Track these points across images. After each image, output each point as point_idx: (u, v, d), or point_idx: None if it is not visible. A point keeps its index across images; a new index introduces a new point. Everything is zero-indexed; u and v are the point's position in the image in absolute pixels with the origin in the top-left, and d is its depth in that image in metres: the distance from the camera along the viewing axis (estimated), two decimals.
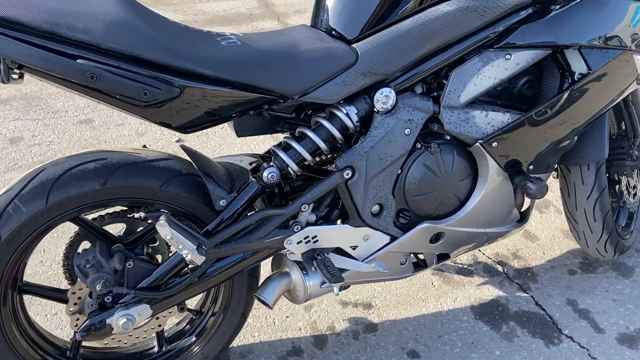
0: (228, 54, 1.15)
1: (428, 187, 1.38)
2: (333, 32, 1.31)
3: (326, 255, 1.35)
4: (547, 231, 2.14)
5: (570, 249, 2.06)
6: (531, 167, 1.44)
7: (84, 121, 2.79)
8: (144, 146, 1.45)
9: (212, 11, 4.29)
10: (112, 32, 1.01)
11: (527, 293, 1.85)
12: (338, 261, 1.38)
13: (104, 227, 1.33)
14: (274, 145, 1.35)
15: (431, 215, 1.43)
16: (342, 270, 1.39)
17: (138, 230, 1.41)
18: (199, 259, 1.19)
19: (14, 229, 1.14)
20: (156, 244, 1.40)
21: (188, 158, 1.28)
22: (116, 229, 1.37)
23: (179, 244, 1.17)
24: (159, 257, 1.43)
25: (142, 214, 1.42)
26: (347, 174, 1.30)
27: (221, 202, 1.26)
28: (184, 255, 1.19)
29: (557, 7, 1.35)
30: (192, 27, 1.20)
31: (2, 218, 1.14)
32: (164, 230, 1.17)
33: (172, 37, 1.09)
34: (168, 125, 1.17)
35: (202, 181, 1.28)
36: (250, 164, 1.39)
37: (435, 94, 1.39)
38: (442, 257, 1.54)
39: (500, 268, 1.95)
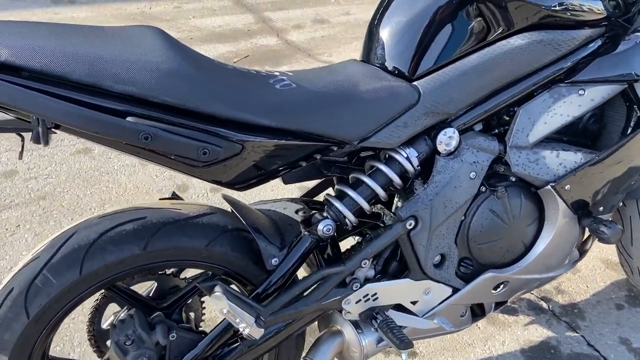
0: (285, 100, 1.01)
1: (494, 234, 1.26)
2: (391, 69, 1.18)
3: (386, 314, 1.22)
4: (587, 262, 2.04)
5: (613, 280, 1.96)
6: (600, 208, 1.34)
7: (82, 150, 2.62)
8: (174, 193, 1.31)
9: (207, 27, 4.14)
10: (163, 82, 0.86)
11: (577, 332, 1.74)
12: (397, 318, 1.25)
13: (131, 287, 1.19)
14: (327, 194, 1.21)
15: (495, 264, 1.31)
16: (402, 327, 1.26)
17: (170, 288, 1.27)
18: (258, 333, 1.05)
19: (44, 304, 0.99)
20: (189, 302, 1.26)
21: (228, 208, 1.14)
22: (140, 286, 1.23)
23: (236, 317, 1.03)
24: (191, 314, 1.29)
25: (173, 270, 1.28)
26: (410, 224, 1.17)
27: (273, 261, 1.12)
28: (241, 329, 1.04)
29: (628, 38, 1.25)
30: (240, 68, 1.06)
31: (29, 292, 0.98)
32: (221, 303, 1.02)
33: (226, 84, 0.95)
34: (218, 182, 1.03)
35: (248, 236, 1.14)
36: (296, 212, 1.26)
37: (496, 131, 1.28)
38: (500, 303, 1.43)
39: (545, 305, 1.84)
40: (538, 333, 1.73)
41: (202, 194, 2.36)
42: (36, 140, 0.85)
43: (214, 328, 1.14)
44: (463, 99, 1.16)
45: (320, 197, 1.30)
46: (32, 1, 4.52)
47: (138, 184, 2.40)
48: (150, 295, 1.26)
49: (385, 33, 1.21)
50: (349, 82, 1.12)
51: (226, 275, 1.18)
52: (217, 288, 1.03)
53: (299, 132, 1.01)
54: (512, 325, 1.76)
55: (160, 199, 1.29)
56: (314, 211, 1.23)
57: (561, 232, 1.31)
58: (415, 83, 1.15)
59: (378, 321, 1.19)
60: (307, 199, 1.34)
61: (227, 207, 1.25)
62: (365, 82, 1.13)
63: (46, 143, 0.82)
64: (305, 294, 1.14)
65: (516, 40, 1.15)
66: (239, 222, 1.14)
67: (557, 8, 1.15)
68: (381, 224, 1.30)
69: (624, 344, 1.71)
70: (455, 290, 1.28)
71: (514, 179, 1.26)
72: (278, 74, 1.10)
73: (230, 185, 1.05)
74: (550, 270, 1.39)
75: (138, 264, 1.04)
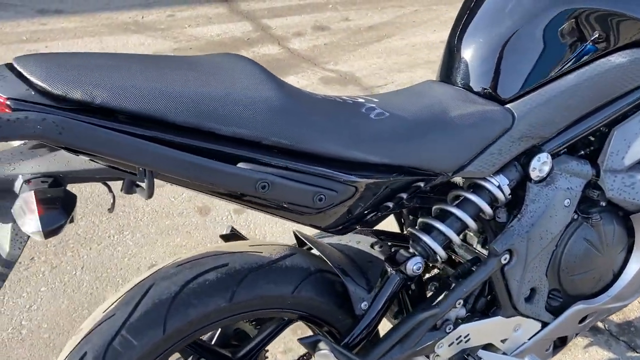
0: (384, 132, 0.91)
1: (588, 264, 1.18)
2: (479, 90, 1.09)
3: (478, 355, 1.13)
4: None
5: None
6: None
7: None
8: (232, 229, 1.19)
9: (204, 36, 4.00)
10: (274, 122, 0.75)
11: (637, 353, 1.68)
12: (488, 358, 1.16)
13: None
14: (411, 228, 1.12)
15: (584, 294, 1.23)
16: None
17: (234, 332, 1.16)
18: None
19: None
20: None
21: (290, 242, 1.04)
22: None
23: None
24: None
25: None
26: (505, 258, 1.08)
27: (363, 305, 1.01)
28: None
29: None
30: (328, 97, 0.95)
31: (106, 356, 0.86)
32: None
33: (329, 119, 0.85)
34: (317, 227, 0.93)
35: (331, 278, 1.03)
36: (372, 246, 1.16)
37: (582, 152, 1.20)
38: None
39: (600, 324, 1.78)
40: (599, 356, 1.67)
41: (225, 216, 2.23)
42: (128, 190, 0.73)
43: None
44: (559, 121, 1.08)
45: (381, 226, 1.20)
46: (15, 12, 4.31)
47: (156, 207, 2.26)
48: (214, 342, 1.15)
49: (469, 51, 1.11)
50: (440, 107, 1.02)
51: (303, 320, 1.08)
52: (322, 345, 0.92)
53: (402, 166, 0.91)
54: (572, 349, 1.68)
55: (221, 236, 1.18)
56: (394, 247, 1.13)
57: None
58: (508, 105, 1.06)
59: None
60: (376, 230, 1.24)
61: (291, 241, 1.15)
62: (456, 106, 1.03)
63: (151, 195, 0.70)
64: (399, 339, 1.04)
65: (617, 58, 1.07)
66: (321, 262, 1.03)
67: None
68: (464, 260, 1.20)
69: None
70: (544, 325, 1.20)
71: (604, 204, 1.18)
72: (363, 100, 1.00)
73: (328, 229, 0.94)
74: (633, 296, 1.32)
75: (223, 316, 0.93)
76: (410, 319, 1.04)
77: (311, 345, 0.94)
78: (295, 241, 1.13)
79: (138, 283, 0.91)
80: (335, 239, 1.19)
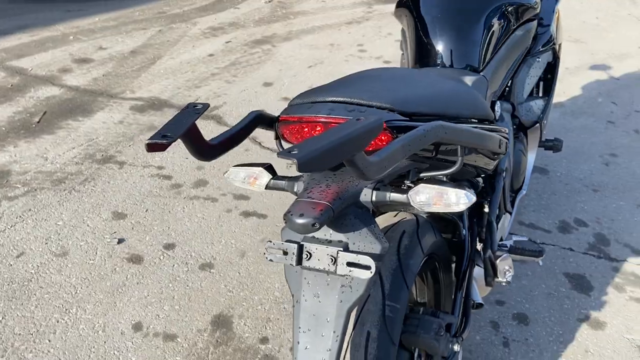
0: (470, 96, 1.35)
1: (522, 164, 1.85)
2: (464, 67, 1.61)
3: None
4: None
5: None
6: None
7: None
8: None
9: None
10: (469, 103, 1.20)
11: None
12: None
13: None
14: None
15: (520, 185, 1.91)
16: None
17: None
18: None
19: None
20: None
21: None
22: None
23: None
24: None
25: None
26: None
27: None
28: None
29: None
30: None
31: None
32: None
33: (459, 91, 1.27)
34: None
35: None
36: None
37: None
38: None
39: None
40: None
41: None
42: None
43: None
44: (501, 78, 1.69)
45: None
46: None
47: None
48: None
49: (441, 43, 1.62)
50: (458, 79, 1.50)
51: None
52: None
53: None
54: None
55: None
56: None
57: None
58: (481, 74, 1.62)
59: None
60: None
61: None
62: (461, 77, 1.53)
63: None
64: None
65: (519, 31, 1.74)
66: None
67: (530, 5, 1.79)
68: None
69: None
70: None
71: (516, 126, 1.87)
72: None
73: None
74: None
75: None
76: None
77: None
78: None
79: None
80: None
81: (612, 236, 2.26)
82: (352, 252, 0.87)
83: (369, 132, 0.75)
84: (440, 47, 1.62)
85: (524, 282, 2.01)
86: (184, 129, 0.83)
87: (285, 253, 0.89)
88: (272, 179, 1.04)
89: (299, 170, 0.65)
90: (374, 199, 0.96)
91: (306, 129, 0.98)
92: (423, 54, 1.65)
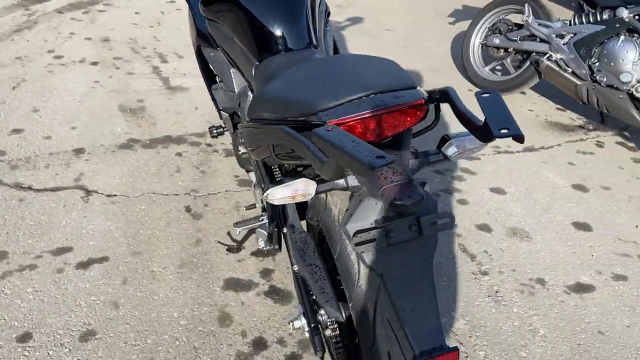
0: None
1: None
2: (311, 48, 1.61)
3: None
4: None
5: None
6: None
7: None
8: None
9: None
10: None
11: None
12: None
13: None
14: None
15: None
16: None
17: None
18: None
19: None
20: None
21: None
22: None
23: None
24: None
25: None
26: None
27: None
28: None
29: None
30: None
31: None
32: None
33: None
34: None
35: None
36: None
37: None
38: None
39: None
40: None
41: None
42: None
43: None
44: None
45: None
46: None
47: None
48: None
49: (278, 31, 1.60)
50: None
51: None
52: None
53: None
54: None
55: None
56: None
57: None
58: (319, 48, 1.63)
59: None
60: None
61: None
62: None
63: None
64: None
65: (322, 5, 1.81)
66: None
67: None
68: None
69: None
70: None
71: None
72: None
73: None
74: None
75: None
76: None
77: None
78: None
79: None
80: None
81: None
82: (428, 214, 0.99)
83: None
84: (278, 33, 1.61)
85: None
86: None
87: (372, 240, 0.97)
88: (317, 185, 1.06)
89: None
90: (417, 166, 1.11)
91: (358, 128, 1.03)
92: (265, 45, 1.62)
